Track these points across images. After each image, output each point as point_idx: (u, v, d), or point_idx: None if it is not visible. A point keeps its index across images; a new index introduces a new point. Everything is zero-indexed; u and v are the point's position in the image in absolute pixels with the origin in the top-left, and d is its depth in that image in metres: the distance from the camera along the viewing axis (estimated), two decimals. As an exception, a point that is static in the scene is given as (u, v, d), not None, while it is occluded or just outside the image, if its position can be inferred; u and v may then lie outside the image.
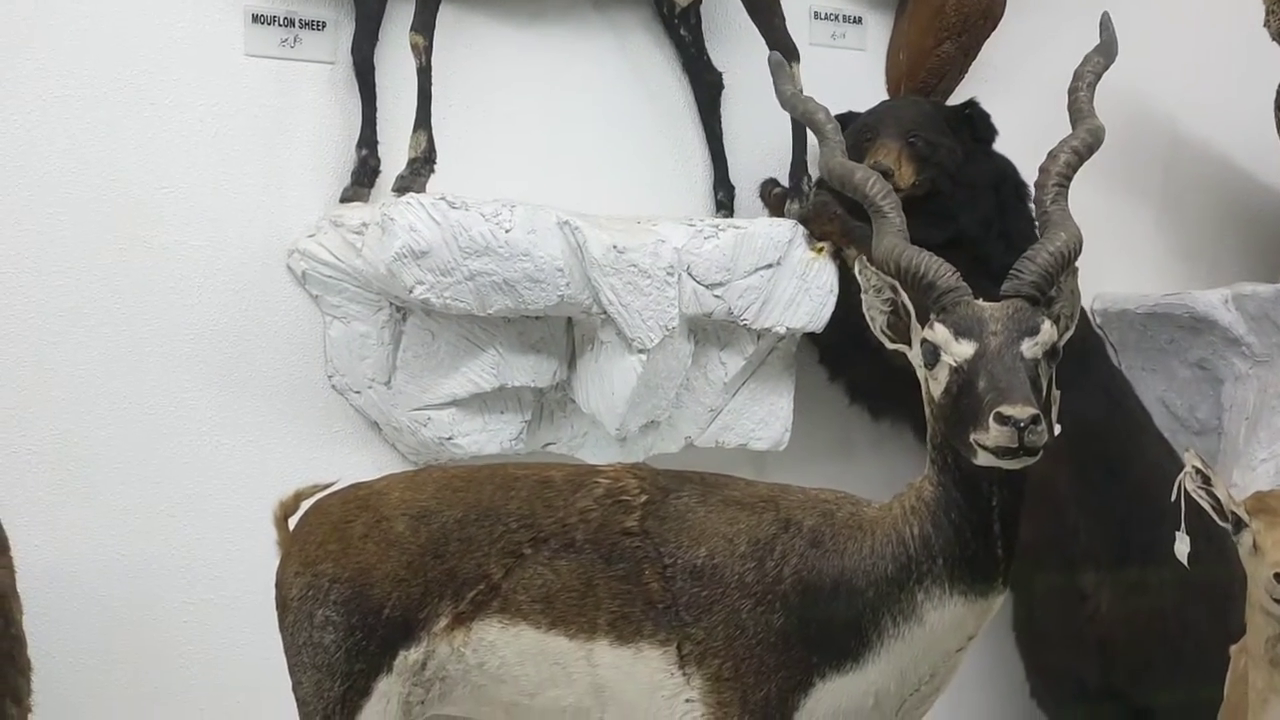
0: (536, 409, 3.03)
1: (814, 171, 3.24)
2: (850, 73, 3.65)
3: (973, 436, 1.74)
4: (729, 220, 3.10)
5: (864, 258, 1.98)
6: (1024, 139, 3.76)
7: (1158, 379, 4.00)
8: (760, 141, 3.42)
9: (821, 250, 3.09)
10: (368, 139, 2.85)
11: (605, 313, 2.82)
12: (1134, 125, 4.16)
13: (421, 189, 2.69)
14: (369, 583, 1.99)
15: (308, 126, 2.91)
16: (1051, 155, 2.03)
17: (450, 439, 2.87)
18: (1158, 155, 4.18)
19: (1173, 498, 2.35)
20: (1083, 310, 3.52)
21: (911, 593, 1.86)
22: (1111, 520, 3.27)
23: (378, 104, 2.86)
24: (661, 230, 2.91)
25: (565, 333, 3.00)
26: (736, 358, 3.14)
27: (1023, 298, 1.88)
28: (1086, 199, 4.08)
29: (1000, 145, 3.42)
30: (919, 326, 1.90)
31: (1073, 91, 2.14)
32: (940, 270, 1.87)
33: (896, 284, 1.92)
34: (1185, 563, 2.38)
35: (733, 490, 2.02)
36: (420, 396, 2.85)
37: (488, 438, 2.93)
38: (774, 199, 3.34)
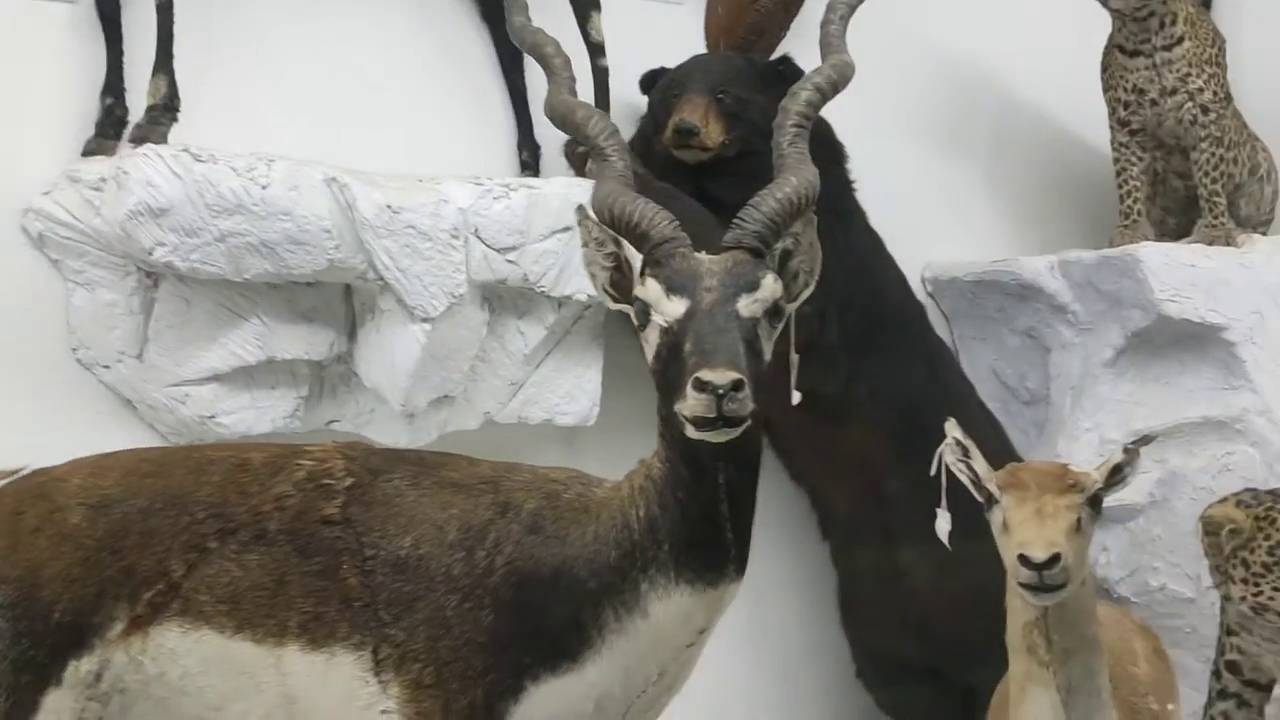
0: (315, 383, 2.80)
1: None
2: (668, 28, 3.46)
3: (675, 405, 1.55)
4: (520, 180, 2.90)
5: (582, 206, 1.78)
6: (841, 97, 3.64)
7: (988, 348, 3.91)
8: (567, 97, 3.20)
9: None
10: (113, 85, 2.58)
11: (382, 279, 2.60)
12: (965, 90, 4.06)
13: (161, 139, 2.44)
14: (38, 583, 1.74)
15: (47, 72, 2.63)
16: (792, 93, 1.85)
17: (212, 417, 2.63)
18: (988, 121, 4.09)
19: (932, 471, 2.20)
20: (902, 276, 3.43)
21: (635, 582, 1.67)
22: (931, 497, 3.15)
23: (125, 47, 2.59)
24: (445, 189, 2.70)
25: (343, 300, 2.77)
26: (536, 328, 2.94)
27: (744, 249, 1.68)
28: (916, 164, 4.00)
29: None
30: (640, 283, 1.70)
31: (824, 25, 1.97)
32: (656, 219, 1.67)
33: (617, 236, 1.73)
34: (946, 542, 2.22)
35: (452, 471, 1.81)
36: (176, 371, 2.60)
37: (257, 415, 2.69)
38: (577, 158, 3.14)
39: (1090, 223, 4.10)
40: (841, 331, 3.03)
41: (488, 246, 2.75)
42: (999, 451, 3.23)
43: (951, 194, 4.00)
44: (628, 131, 3.05)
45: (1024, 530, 1.91)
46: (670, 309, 1.61)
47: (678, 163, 3.05)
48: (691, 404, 1.49)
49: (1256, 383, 3.28)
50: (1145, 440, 1.93)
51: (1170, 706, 2.05)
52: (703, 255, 1.67)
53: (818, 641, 3.54)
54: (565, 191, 2.85)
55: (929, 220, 3.95)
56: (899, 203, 3.85)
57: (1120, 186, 3.68)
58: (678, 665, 1.75)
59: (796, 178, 1.72)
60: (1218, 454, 3.29)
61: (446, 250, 2.66)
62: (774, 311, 1.66)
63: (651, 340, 1.64)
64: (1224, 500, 2.54)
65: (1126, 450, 1.93)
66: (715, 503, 1.63)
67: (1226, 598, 2.51)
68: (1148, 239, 3.60)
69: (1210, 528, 2.38)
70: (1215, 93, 3.50)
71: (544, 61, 1.93)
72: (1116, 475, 1.95)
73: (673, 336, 1.59)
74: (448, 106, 3.08)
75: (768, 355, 1.67)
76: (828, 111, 3.24)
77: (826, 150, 3.11)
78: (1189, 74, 3.49)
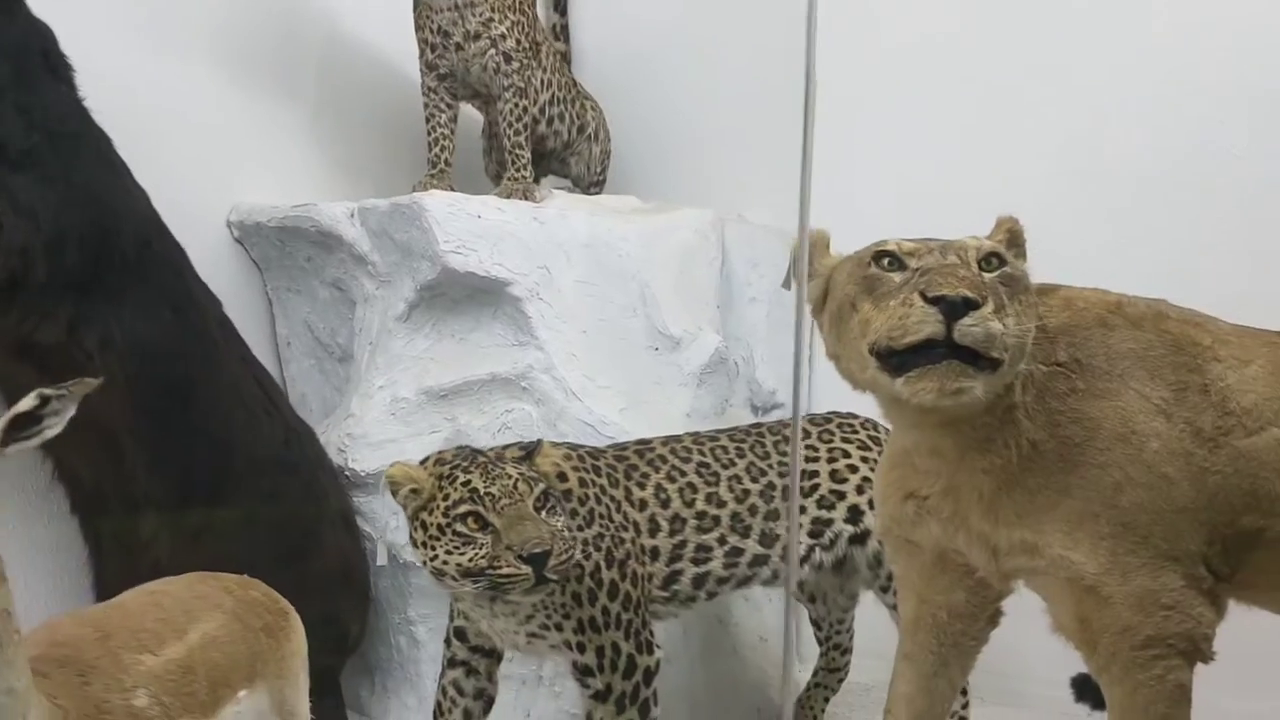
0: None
1: None
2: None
3: None
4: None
5: None
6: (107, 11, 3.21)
7: (302, 300, 3.64)
8: None
9: None
10: None
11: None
12: (287, 22, 3.74)
13: None
14: None
15: None
16: None
17: None
18: (311, 55, 3.79)
19: None
20: (151, 213, 3.00)
21: None
22: (174, 457, 2.81)
23: None
24: None
25: None
26: None
27: None
28: (230, 100, 3.65)
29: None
30: None
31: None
32: None
33: None
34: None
35: None
36: None
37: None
38: None
39: (412, 169, 3.92)
40: (58, 271, 2.60)
41: None
42: (268, 412, 2.97)
43: (267, 133, 3.68)
44: None
45: None
46: None
47: None
48: None
49: (542, 339, 3.20)
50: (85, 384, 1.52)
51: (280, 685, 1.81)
52: None
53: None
54: None
55: (238, 160, 3.61)
56: (206, 137, 3.48)
57: (429, 134, 3.51)
58: None
59: None
60: (499, 412, 3.17)
61: None
62: None
63: None
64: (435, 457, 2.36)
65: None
66: None
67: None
68: (453, 190, 3.44)
69: (392, 487, 2.19)
70: (519, 41, 3.40)
71: None
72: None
73: None
74: None
75: None
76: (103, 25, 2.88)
77: (39, 58, 2.66)
78: (492, 19, 3.36)
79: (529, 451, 2.37)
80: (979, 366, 1.85)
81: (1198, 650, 2.11)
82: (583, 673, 2.43)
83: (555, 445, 2.54)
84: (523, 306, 3.22)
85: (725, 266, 3.76)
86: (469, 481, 2.19)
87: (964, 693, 3.00)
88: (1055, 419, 2.12)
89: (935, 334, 1.81)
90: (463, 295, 3.28)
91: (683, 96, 4.35)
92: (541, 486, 2.23)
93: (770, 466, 2.80)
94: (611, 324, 3.34)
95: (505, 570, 2.13)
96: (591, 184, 4.03)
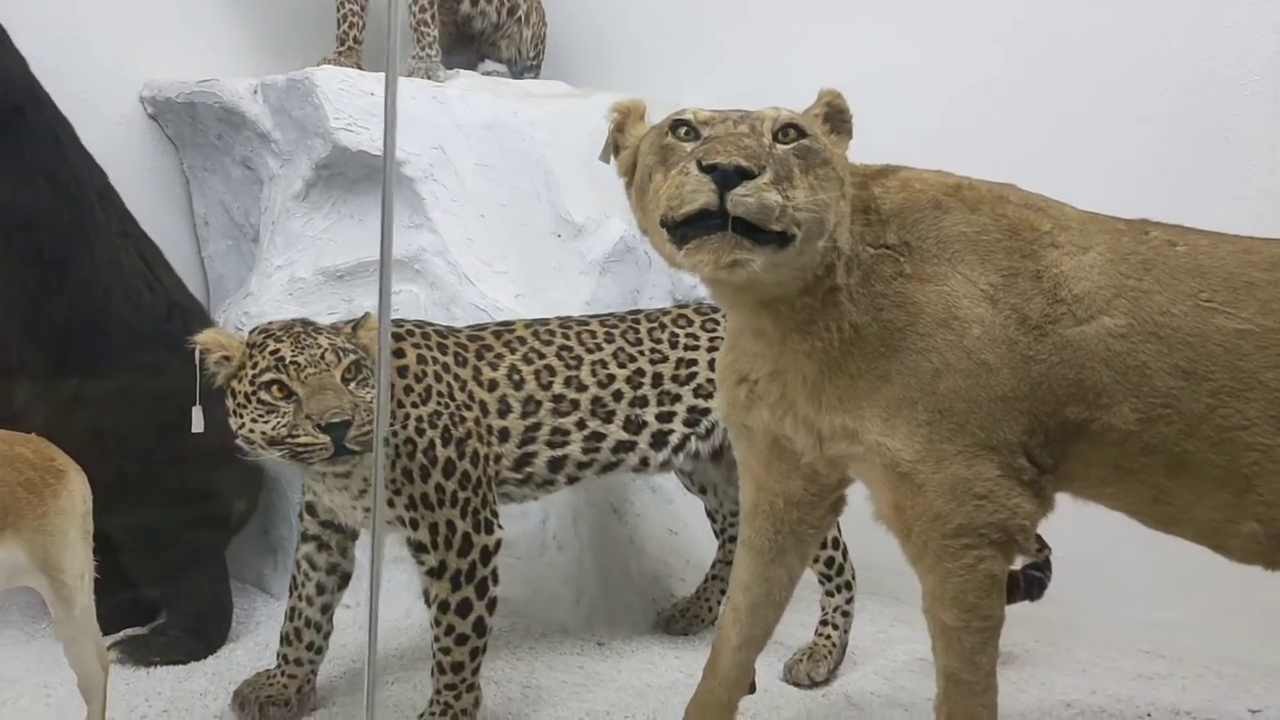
0: None
1: None
2: None
3: None
4: None
5: None
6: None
7: (217, 179, 3.62)
8: None
9: None
10: None
11: None
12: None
13: None
14: None
15: None
16: None
17: None
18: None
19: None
20: (28, 79, 2.99)
21: None
22: (47, 326, 2.82)
23: None
24: None
25: None
26: None
27: None
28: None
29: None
30: None
31: None
32: None
33: None
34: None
35: None
36: None
37: None
38: None
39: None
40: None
41: None
42: (150, 287, 2.96)
43: (189, 4, 3.62)
44: None
45: None
46: None
47: None
48: None
49: (435, 221, 3.17)
50: None
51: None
52: None
53: None
54: None
55: (153, 33, 3.56)
56: (123, 10, 3.44)
57: (339, 9, 3.45)
58: None
59: None
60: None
61: None
62: None
63: None
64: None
65: None
66: None
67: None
68: (361, 68, 3.38)
69: (202, 354, 2.17)
70: (430, -83, 3.30)
71: None
72: None
73: None
74: None
75: None
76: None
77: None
78: (396, -110, 3.26)
79: (354, 325, 2.34)
80: (759, 240, 1.78)
81: (1013, 541, 2.06)
82: (416, 549, 2.43)
83: (398, 322, 2.51)
84: (416, 187, 3.18)
85: (651, 155, 3.66)
86: (277, 350, 2.17)
87: (848, 587, 2.98)
88: (879, 303, 2.06)
89: (708, 204, 1.74)
90: (360, 175, 3.24)
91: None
92: (353, 358, 2.21)
93: (642, 353, 2.76)
94: (512, 209, 3.29)
95: (303, 439, 2.12)
96: (525, 69, 3.94)
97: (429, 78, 3.28)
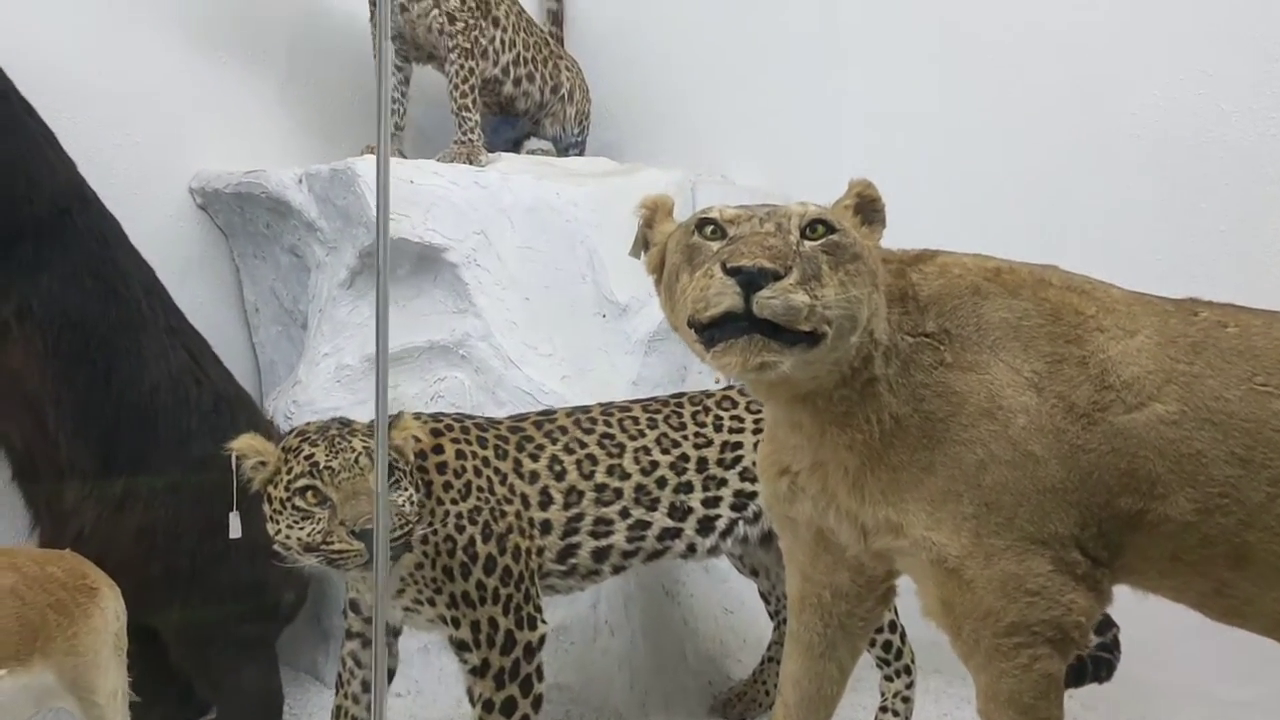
0: None
1: None
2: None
3: None
4: None
5: None
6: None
7: (268, 267, 3.65)
8: None
9: None
10: None
11: None
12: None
13: None
14: None
15: None
16: None
17: None
18: (284, 23, 3.77)
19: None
20: (74, 179, 3.02)
21: None
22: (95, 426, 2.85)
23: None
24: None
25: None
26: None
27: None
28: (193, 66, 3.64)
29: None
30: None
31: None
32: None
33: None
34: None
35: None
36: None
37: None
38: None
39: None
40: (-34, 243, 2.64)
41: None
42: (198, 380, 2.98)
43: (236, 99, 3.69)
44: None
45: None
46: None
47: None
48: None
49: (479, 306, 3.16)
50: None
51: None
52: None
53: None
54: None
55: (205, 126, 3.62)
56: (170, 105, 3.51)
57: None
58: None
59: None
60: (432, 380, 3.14)
61: None
62: None
63: None
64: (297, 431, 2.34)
65: None
66: None
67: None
68: (403, 154, 3.41)
69: (238, 460, 2.17)
70: (463, 1, 3.32)
71: None
72: None
73: None
74: None
75: None
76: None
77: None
78: (434, -20, 3.30)
79: (388, 426, 2.32)
80: (787, 340, 1.74)
81: (1068, 639, 1.98)
82: (459, 648, 2.40)
83: (437, 417, 2.50)
84: (459, 273, 3.18)
85: (697, 229, 3.64)
86: (311, 455, 2.17)
87: (907, 671, 2.89)
88: (920, 393, 2.00)
89: (734, 307, 1.71)
90: (405, 261, 3.25)
91: (671, 55, 4.24)
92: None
93: (685, 437, 2.72)
94: (557, 290, 3.28)
95: (338, 546, 2.10)
96: (570, 145, 3.95)
97: (471, 162, 3.29)
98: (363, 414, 3.10)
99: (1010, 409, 1.96)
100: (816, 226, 1.83)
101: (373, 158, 3.21)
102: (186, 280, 3.48)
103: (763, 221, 1.82)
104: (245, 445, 2.22)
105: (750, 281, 1.70)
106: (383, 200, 1.97)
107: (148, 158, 3.46)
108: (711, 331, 1.76)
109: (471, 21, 3.35)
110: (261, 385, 3.68)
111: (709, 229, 1.86)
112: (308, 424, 2.30)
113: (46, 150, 2.84)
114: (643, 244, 2.05)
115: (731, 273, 1.71)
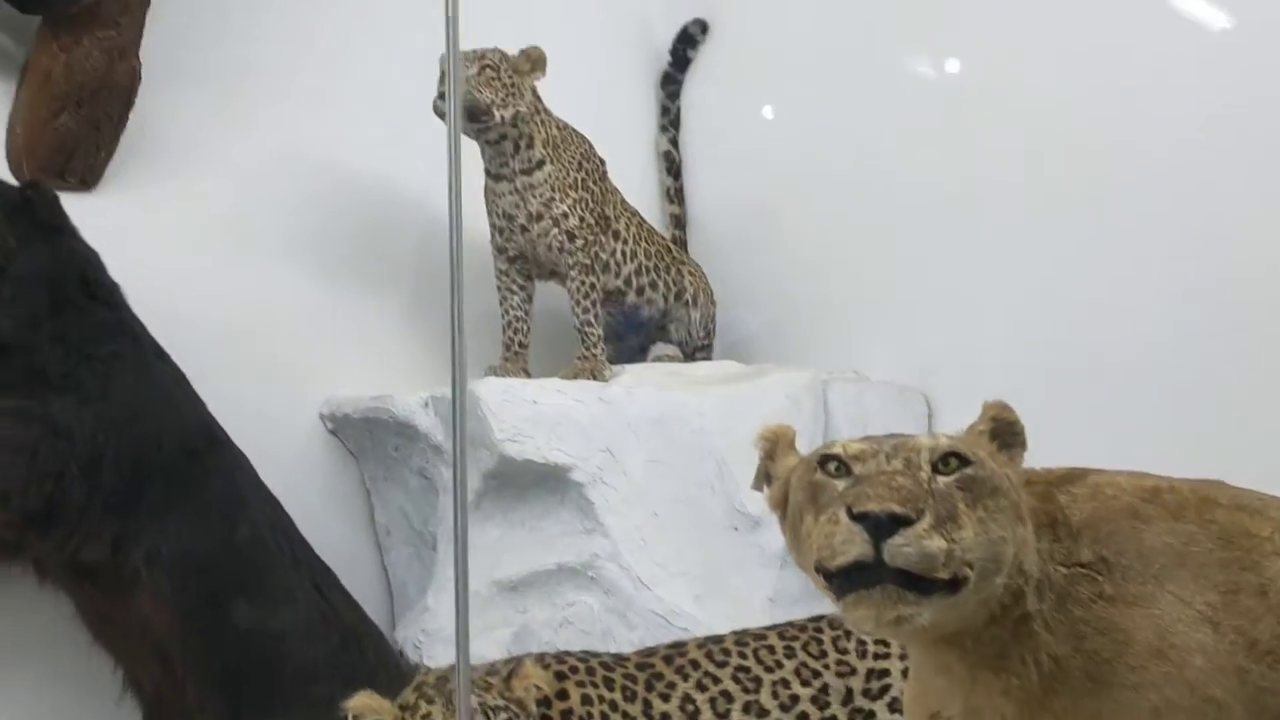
0: None
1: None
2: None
3: None
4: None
5: None
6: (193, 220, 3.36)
7: (396, 489, 3.64)
8: None
9: None
10: None
11: None
12: (380, 210, 3.83)
13: None
14: None
15: None
16: None
17: None
18: (408, 249, 3.85)
19: None
20: (202, 419, 3.03)
21: None
22: (223, 668, 2.82)
23: None
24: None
25: None
26: None
27: None
28: (321, 292, 3.74)
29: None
30: None
31: None
32: None
33: None
34: None
35: None
36: None
37: None
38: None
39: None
40: (96, 492, 2.67)
41: None
42: (325, 616, 2.95)
43: (363, 324, 3.74)
44: None
45: None
46: None
47: None
48: None
49: (607, 525, 3.08)
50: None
51: None
52: None
53: None
54: None
55: (332, 352, 3.68)
56: (300, 332, 3.58)
57: (503, 316, 3.48)
58: None
59: None
60: (561, 605, 3.05)
61: None
62: None
63: None
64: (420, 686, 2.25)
65: None
66: None
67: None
68: (528, 373, 3.40)
69: (354, 719, 2.09)
70: (582, 218, 3.35)
71: None
72: None
73: None
74: None
75: None
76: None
77: (77, 284, 2.79)
78: (553, 199, 3.33)
79: (509, 675, 2.22)
80: (923, 589, 1.59)
81: None
82: None
83: (561, 658, 2.38)
84: (586, 492, 3.11)
85: (830, 429, 3.53)
86: (429, 715, 2.07)
87: None
88: (1080, 630, 1.82)
89: (863, 555, 1.57)
90: (530, 482, 3.20)
91: (796, 250, 4.19)
92: (504, 717, 2.08)
93: (826, 667, 2.54)
94: (685, 504, 3.18)
95: (457, 810, 1.98)
96: (696, 349, 3.90)
97: (595, 378, 3.25)
98: (488, 643, 3.03)
99: (1184, 648, 1.77)
100: (949, 460, 1.69)
101: (494, 380, 3.21)
102: (318, 502, 3.49)
103: (890, 458, 1.69)
104: (363, 705, 2.14)
105: (878, 528, 1.57)
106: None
107: (278, 389, 3.51)
108: (841, 580, 1.63)
109: (591, 238, 3.36)
110: (394, 607, 3.63)
111: (832, 465, 1.74)
112: (427, 674, 2.21)
113: (175, 392, 2.88)
114: (764, 478, 1.94)
115: (858, 519, 1.58)
